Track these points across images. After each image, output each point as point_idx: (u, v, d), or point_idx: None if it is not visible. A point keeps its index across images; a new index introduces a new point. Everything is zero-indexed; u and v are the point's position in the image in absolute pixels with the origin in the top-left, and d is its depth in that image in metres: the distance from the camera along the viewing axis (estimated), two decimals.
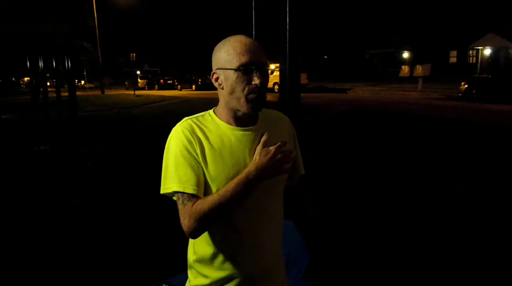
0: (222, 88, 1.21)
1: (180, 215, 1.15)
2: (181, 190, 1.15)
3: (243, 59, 1.15)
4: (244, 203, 1.17)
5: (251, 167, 1.16)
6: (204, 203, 1.12)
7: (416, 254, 3.41)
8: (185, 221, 1.13)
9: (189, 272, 1.34)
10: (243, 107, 1.18)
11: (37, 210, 4.55)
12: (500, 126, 9.59)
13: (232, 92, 1.18)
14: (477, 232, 3.80)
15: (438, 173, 5.90)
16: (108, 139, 9.63)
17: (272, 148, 1.19)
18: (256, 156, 1.18)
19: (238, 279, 1.23)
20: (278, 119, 1.35)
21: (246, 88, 1.16)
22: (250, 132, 1.23)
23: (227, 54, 1.17)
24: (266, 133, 1.22)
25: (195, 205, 1.13)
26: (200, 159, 1.17)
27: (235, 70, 1.16)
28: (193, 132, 1.19)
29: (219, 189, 1.15)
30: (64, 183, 5.64)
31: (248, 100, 1.17)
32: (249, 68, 1.15)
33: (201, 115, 1.26)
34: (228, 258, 1.22)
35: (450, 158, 6.89)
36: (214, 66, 1.22)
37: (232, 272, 1.22)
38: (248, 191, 1.15)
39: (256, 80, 1.15)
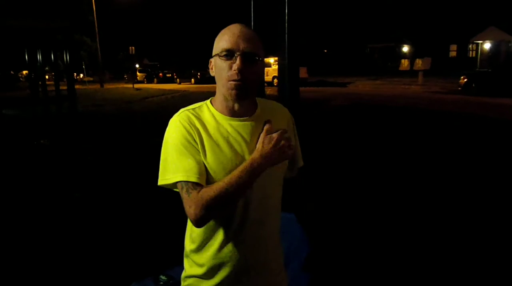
0: (215, 76, 1.24)
1: (185, 204, 1.15)
2: (185, 179, 1.15)
3: (226, 45, 1.17)
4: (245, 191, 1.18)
5: (255, 154, 1.17)
6: (210, 191, 1.12)
7: (416, 246, 3.43)
8: (191, 209, 1.13)
9: (185, 262, 1.34)
10: (227, 93, 1.20)
11: (37, 204, 4.56)
12: (499, 120, 9.59)
13: (219, 78, 1.21)
14: (477, 229, 3.82)
15: (438, 167, 5.91)
16: (107, 133, 9.63)
17: (275, 135, 1.20)
18: (260, 144, 1.19)
19: (233, 268, 1.24)
20: (277, 111, 1.35)
21: (227, 74, 1.18)
22: (247, 122, 1.24)
23: (217, 42, 1.21)
24: (269, 122, 1.23)
25: (201, 192, 1.13)
26: (200, 149, 1.18)
27: (219, 55, 1.19)
28: (191, 123, 1.20)
29: (217, 178, 1.16)
30: (64, 177, 5.66)
31: (229, 87, 1.18)
32: (231, 54, 1.17)
33: (198, 106, 1.27)
34: (225, 246, 1.23)
35: (449, 151, 6.90)
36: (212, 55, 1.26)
37: (228, 260, 1.23)
38: (253, 178, 1.16)
39: (235, 67, 1.16)
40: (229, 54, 1.17)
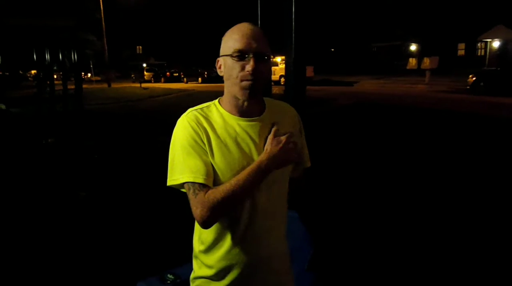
0: (223, 76, 1.23)
1: (192, 205, 1.15)
2: (191, 180, 1.15)
3: (238, 45, 1.16)
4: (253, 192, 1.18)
5: (263, 156, 1.18)
6: (217, 192, 1.13)
7: (419, 246, 3.41)
8: (198, 211, 1.13)
9: (194, 263, 1.35)
10: (238, 94, 1.19)
11: (43, 203, 4.59)
12: (508, 120, 9.50)
13: (229, 78, 1.20)
14: (479, 230, 3.79)
15: (443, 168, 5.87)
16: (114, 132, 9.68)
17: (283, 138, 1.20)
18: (268, 146, 1.19)
19: (242, 268, 1.24)
20: (285, 111, 1.35)
21: (239, 75, 1.17)
22: (255, 122, 1.23)
23: (226, 41, 1.21)
24: (276, 124, 1.23)
25: (207, 194, 1.13)
26: (207, 149, 1.18)
27: (231, 56, 1.18)
28: (198, 123, 1.20)
29: (224, 178, 1.16)
30: (70, 176, 5.69)
31: (241, 87, 1.18)
32: (243, 55, 1.16)
33: (206, 106, 1.26)
34: (234, 246, 1.22)
35: (456, 152, 6.85)
36: (220, 54, 1.25)
37: (237, 261, 1.23)
38: (260, 180, 1.16)
39: (248, 67, 1.16)
40: (241, 55, 1.16)
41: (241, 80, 1.18)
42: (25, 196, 4.80)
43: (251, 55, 1.16)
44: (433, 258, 3.20)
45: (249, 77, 1.16)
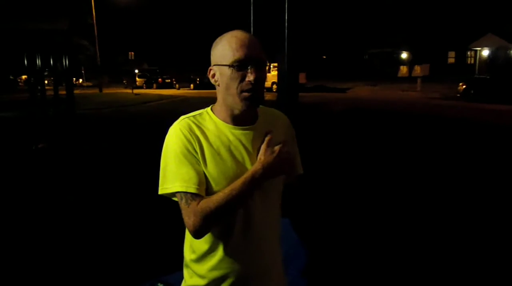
0: (219, 85, 1.20)
1: (184, 214, 1.14)
2: (183, 189, 1.13)
3: (237, 55, 1.13)
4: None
5: (257, 165, 1.16)
6: (210, 202, 1.11)
7: (415, 251, 3.41)
8: (190, 221, 1.12)
9: (185, 272, 1.32)
10: (238, 105, 1.16)
11: (34, 208, 4.53)
12: (497, 125, 9.63)
13: (227, 89, 1.16)
14: (476, 232, 3.80)
15: (437, 172, 5.90)
16: (105, 137, 9.60)
17: (277, 147, 1.19)
18: (261, 155, 1.18)
19: (234, 279, 1.22)
20: (278, 119, 1.34)
21: (240, 85, 1.14)
22: (249, 131, 1.21)
23: (222, 50, 1.16)
24: (270, 133, 1.22)
25: (200, 204, 1.11)
26: (200, 158, 1.16)
27: (229, 66, 1.14)
28: (191, 131, 1.18)
29: (217, 187, 1.14)
30: (60, 181, 5.62)
31: (242, 98, 1.15)
32: (243, 64, 1.13)
33: (199, 113, 1.24)
34: (226, 256, 1.20)
35: (448, 156, 6.90)
36: (211, 63, 1.21)
37: (229, 271, 1.21)
38: (254, 189, 1.15)
39: (250, 77, 1.13)
40: (242, 65, 1.13)
41: (242, 91, 1.15)
42: (15, 200, 4.73)
43: (252, 65, 1.14)
44: (424, 262, 3.21)
45: (251, 87, 1.14)
